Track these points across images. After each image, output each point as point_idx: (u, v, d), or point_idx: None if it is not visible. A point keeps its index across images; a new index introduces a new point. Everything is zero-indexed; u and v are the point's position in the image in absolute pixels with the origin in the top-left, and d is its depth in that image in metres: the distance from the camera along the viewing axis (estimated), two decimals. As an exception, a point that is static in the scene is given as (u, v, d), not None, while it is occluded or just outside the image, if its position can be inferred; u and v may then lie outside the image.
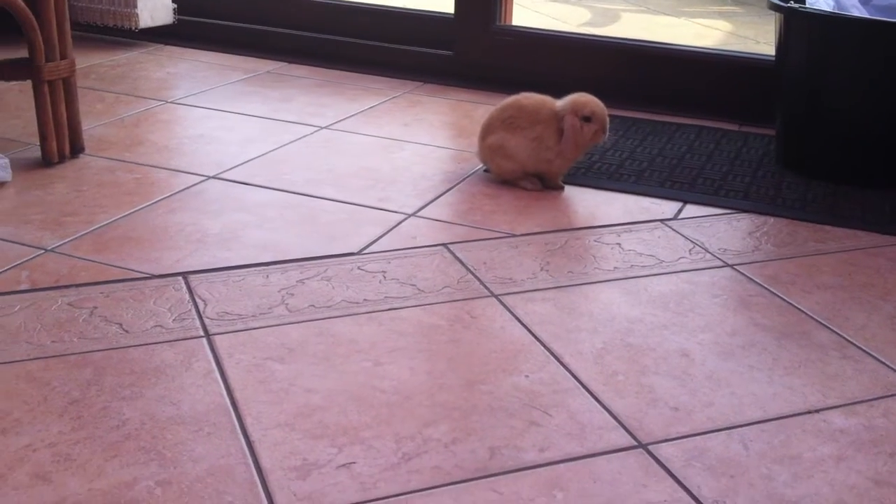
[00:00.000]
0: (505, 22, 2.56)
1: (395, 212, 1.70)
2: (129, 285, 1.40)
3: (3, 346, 1.23)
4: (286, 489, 0.99)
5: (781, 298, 1.44)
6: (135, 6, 2.72)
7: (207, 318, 1.32)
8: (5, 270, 1.44)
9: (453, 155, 2.02)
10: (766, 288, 1.47)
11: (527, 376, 1.21)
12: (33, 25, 1.76)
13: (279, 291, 1.40)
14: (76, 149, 1.91)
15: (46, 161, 1.85)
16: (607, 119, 1.78)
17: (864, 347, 1.31)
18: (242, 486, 0.99)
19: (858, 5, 1.96)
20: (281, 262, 1.49)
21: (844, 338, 1.33)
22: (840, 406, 1.17)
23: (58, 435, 1.06)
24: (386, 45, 2.67)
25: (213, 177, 1.84)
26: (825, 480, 1.04)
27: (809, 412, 1.16)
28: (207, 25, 2.86)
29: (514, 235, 1.63)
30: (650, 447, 1.08)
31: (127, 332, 1.27)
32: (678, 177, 1.91)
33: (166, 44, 2.84)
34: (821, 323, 1.37)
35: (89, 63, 2.61)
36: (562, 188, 1.83)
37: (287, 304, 1.36)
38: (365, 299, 1.38)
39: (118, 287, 1.39)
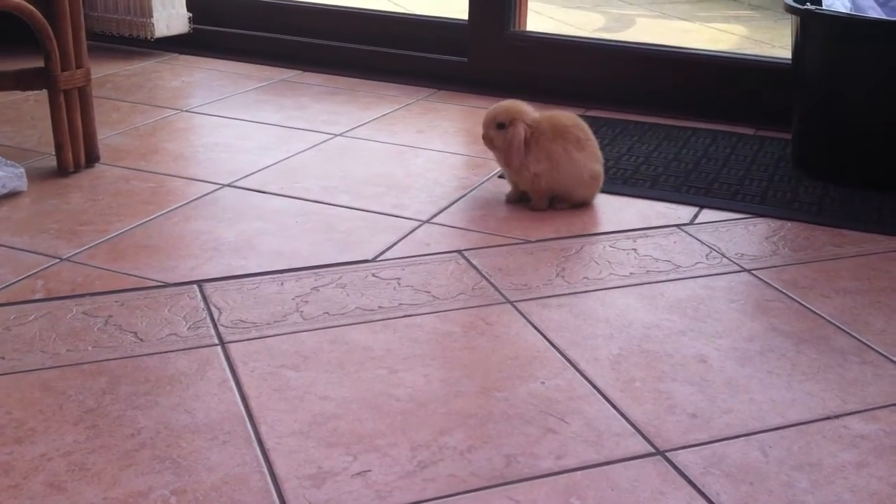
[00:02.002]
0: (519, 28, 2.55)
1: (410, 218, 1.70)
2: (144, 294, 1.40)
3: (19, 355, 1.23)
4: (301, 497, 0.98)
5: (799, 303, 1.42)
6: (150, 16, 2.73)
7: (222, 326, 1.32)
8: (21, 279, 1.44)
9: (467, 161, 2.01)
10: (783, 293, 1.46)
11: (543, 383, 1.20)
12: (49, 35, 1.77)
13: (294, 299, 1.40)
14: (92, 158, 1.92)
15: (62, 170, 1.86)
16: (485, 124, 1.75)
17: (883, 352, 1.29)
18: (257, 495, 0.98)
19: (876, 7, 1.94)
20: (295, 269, 1.49)
21: (864, 343, 1.32)
22: (860, 412, 1.16)
23: (73, 444, 1.06)
24: (400, 52, 2.67)
25: (229, 185, 1.84)
26: (846, 487, 1.02)
27: (829, 418, 1.14)
28: (222, 34, 2.87)
29: (528, 241, 1.62)
30: (668, 454, 1.07)
31: (142, 340, 1.27)
32: (694, 181, 1.90)
33: (182, 53, 2.85)
34: (840, 328, 1.36)
35: (105, 72, 2.62)
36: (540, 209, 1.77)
37: (302, 311, 1.36)
38: (379, 306, 1.38)
39: (133, 296, 1.40)
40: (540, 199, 1.75)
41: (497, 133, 1.74)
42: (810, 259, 1.57)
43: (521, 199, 1.78)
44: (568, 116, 1.77)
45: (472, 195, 1.82)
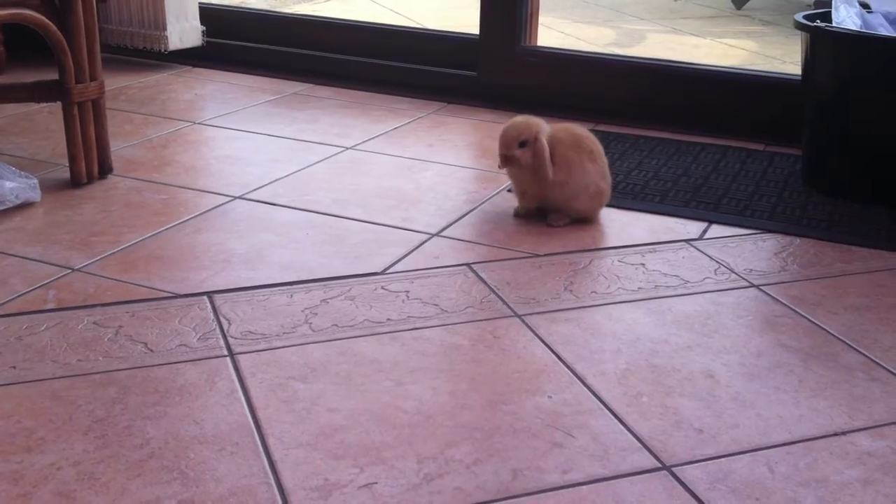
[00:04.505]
0: (529, 43, 2.56)
1: (419, 231, 1.71)
2: (155, 304, 1.41)
3: (30, 364, 1.24)
4: (308, 509, 0.99)
5: (808, 319, 1.42)
6: (164, 29, 2.75)
7: (231, 337, 1.32)
8: (33, 290, 1.45)
9: (477, 175, 2.02)
10: (792, 309, 1.46)
11: (550, 397, 1.21)
12: (64, 48, 1.79)
13: (303, 311, 1.40)
14: (105, 169, 1.93)
15: (75, 182, 1.87)
16: (506, 144, 1.74)
17: (891, 369, 1.29)
18: (264, 506, 0.99)
19: (886, 24, 1.94)
20: (305, 281, 1.50)
21: (872, 359, 1.32)
22: (867, 428, 1.16)
23: (82, 453, 1.07)
24: (411, 66, 2.68)
25: (240, 197, 1.85)
26: (852, 504, 1.02)
27: (836, 434, 1.14)
28: (235, 48, 2.89)
29: (537, 255, 1.63)
30: (674, 469, 1.07)
31: (152, 351, 1.28)
32: (703, 197, 1.90)
33: (195, 66, 2.87)
34: (848, 344, 1.35)
35: (118, 85, 2.64)
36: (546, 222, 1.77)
37: (310, 323, 1.37)
38: (388, 319, 1.39)
39: (144, 306, 1.41)
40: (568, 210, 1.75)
41: (522, 151, 1.73)
42: (819, 275, 1.57)
43: (529, 214, 1.79)
44: (580, 129, 1.78)
45: (481, 209, 1.83)
